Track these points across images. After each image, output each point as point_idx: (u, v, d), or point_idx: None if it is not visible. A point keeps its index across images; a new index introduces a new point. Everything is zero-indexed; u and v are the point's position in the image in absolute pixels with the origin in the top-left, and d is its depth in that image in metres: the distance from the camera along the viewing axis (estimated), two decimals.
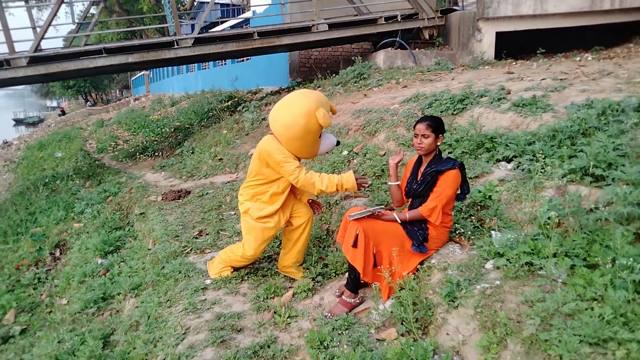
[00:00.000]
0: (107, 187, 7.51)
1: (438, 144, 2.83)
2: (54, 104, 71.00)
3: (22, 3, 9.40)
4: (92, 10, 18.72)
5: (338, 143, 3.30)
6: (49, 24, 8.37)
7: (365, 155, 4.85)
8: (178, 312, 3.07)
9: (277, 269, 3.52)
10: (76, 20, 11.38)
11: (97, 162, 11.47)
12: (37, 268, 5.57)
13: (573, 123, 3.57)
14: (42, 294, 4.95)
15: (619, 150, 2.97)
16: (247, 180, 3.25)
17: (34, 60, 8.03)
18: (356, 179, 2.96)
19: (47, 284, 5.12)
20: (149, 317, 3.18)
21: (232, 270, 3.49)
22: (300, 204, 3.37)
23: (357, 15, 10.25)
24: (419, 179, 2.87)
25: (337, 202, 4.23)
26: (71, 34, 11.89)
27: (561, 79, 5.20)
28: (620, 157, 2.90)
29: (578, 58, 8.24)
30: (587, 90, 4.44)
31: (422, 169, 2.89)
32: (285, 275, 3.46)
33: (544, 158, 3.25)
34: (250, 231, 3.23)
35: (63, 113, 39.15)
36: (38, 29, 8.31)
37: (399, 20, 9.96)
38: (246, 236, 3.28)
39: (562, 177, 3.01)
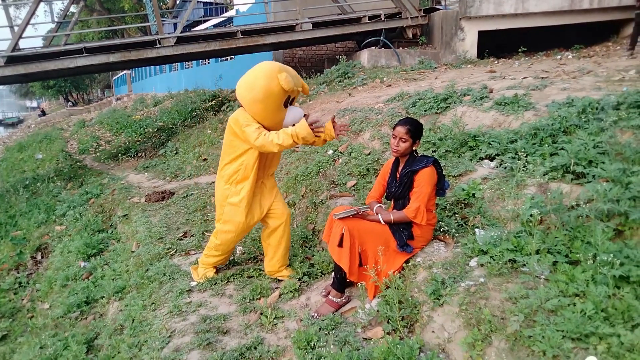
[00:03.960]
0: (89, 189, 7.39)
1: (414, 148, 2.87)
2: (34, 104, 69.62)
3: None
4: (72, 9, 18.40)
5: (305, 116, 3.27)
6: (27, 23, 8.19)
7: (350, 154, 4.85)
8: (163, 315, 3.04)
9: (263, 270, 3.50)
10: (55, 19, 11.16)
11: (78, 163, 11.27)
12: (18, 272, 5.46)
13: (554, 121, 3.62)
14: (23, 299, 4.85)
15: (599, 147, 3.03)
16: (221, 164, 3.26)
17: (12, 60, 7.86)
18: (310, 125, 2.93)
19: (29, 289, 5.03)
20: (133, 320, 3.14)
21: (215, 270, 3.48)
22: (279, 203, 3.36)
23: (340, 14, 10.26)
24: (397, 179, 2.90)
25: (323, 201, 4.23)
26: (51, 33, 11.67)
27: (542, 78, 5.27)
28: (600, 155, 2.95)
29: (559, 57, 8.38)
30: (567, 89, 4.51)
31: (400, 169, 2.91)
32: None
33: (526, 156, 3.30)
34: (221, 217, 3.28)
35: (43, 113, 38.36)
36: (16, 28, 8.11)
37: (383, 19, 10.00)
38: (218, 225, 3.32)
39: (544, 175, 3.05)
